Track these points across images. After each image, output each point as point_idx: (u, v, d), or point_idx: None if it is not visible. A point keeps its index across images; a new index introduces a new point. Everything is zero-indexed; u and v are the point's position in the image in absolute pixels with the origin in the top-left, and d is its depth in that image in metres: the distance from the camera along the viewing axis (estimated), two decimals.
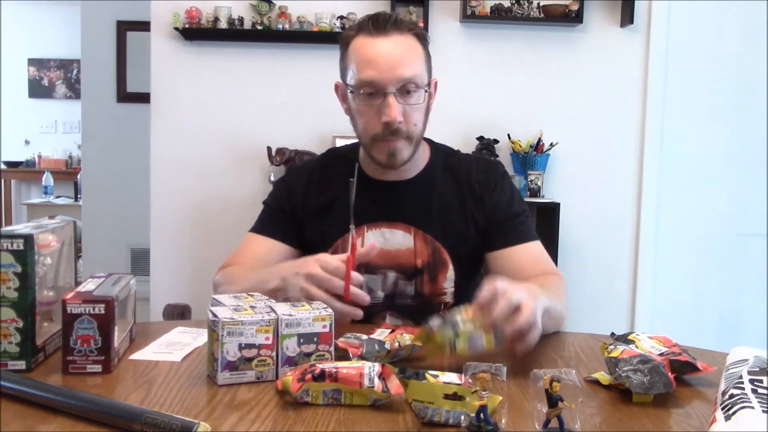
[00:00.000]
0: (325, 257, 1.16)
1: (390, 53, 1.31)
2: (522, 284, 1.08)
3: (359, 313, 1.14)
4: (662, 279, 3.17)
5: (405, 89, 1.32)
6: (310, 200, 1.46)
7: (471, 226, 1.43)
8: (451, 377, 0.87)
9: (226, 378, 0.93)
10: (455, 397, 0.81)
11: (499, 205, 1.44)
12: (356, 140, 1.53)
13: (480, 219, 1.44)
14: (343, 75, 1.40)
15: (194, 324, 1.24)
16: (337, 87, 1.44)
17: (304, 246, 1.46)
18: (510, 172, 3.00)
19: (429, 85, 1.37)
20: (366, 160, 1.46)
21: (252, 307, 0.99)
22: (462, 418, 0.81)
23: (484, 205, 1.44)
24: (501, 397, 0.85)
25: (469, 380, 0.81)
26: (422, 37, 1.37)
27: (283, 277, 1.18)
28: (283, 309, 0.98)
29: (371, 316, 1.31)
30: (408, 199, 1.44)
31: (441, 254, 1.41)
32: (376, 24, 1.32)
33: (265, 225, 1.49)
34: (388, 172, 1.42)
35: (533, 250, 1.42)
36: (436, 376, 0.87)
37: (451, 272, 1.42)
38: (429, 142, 1.50)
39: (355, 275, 1.14)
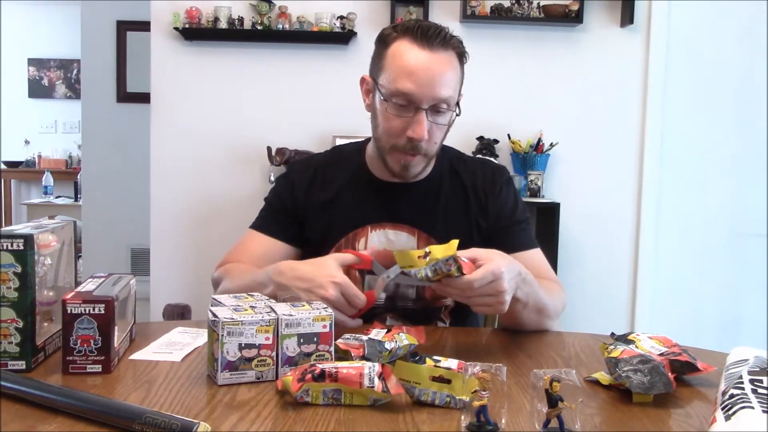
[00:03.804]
0: (344, 281, 1.15)
1: (432, 70, 1.28)
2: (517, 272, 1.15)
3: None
4: (662, 279, 3.17)
5: (436, 108, 1.31)
6: (313, 197, 1.45)
7: (475, 231, 1.44)
8: (451, 363, 0.89)
9: (226, 378, 0.93)
10: (442, 380, 0.87)
11: (502, 212, 1.45)
12: (359, 140, 1.53)
13: (483, 224, 1.44)
14: (375, 72, 1.36)
15: (194, 324, 1.24)
16: (363, 81, 1.42)
17: (305, 244, 1.46)
18: (510, 173, 3.01)
19: (458, 104, 1.36)
20: (374, 160, 1.45)
21: (252, 307, 0.99)
22: (448, 399, 0.86)
23: (488, 210, 1.44)
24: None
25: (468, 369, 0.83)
26: (462, 56, 1.35)
27: (283, 284, 1.18)
28: (283, 309, 0.98)
29: (372, 318, 1.31)
30: (414, 202, 1.43)
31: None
32: (425, 35, 1.28)
33: (266, 222, 1.48)
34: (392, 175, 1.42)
35: (533, 257, 1.42)
36: (437, 361, 0.89)
37: None
38: None
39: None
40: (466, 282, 1.06)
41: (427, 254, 1.06)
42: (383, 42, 1.34)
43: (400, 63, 1.29)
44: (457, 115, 1.35)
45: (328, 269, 1.16)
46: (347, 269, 1.22)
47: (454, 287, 1.08)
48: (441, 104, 1.30)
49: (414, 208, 1.43)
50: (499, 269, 1.08)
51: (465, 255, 1.09)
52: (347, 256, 1.21)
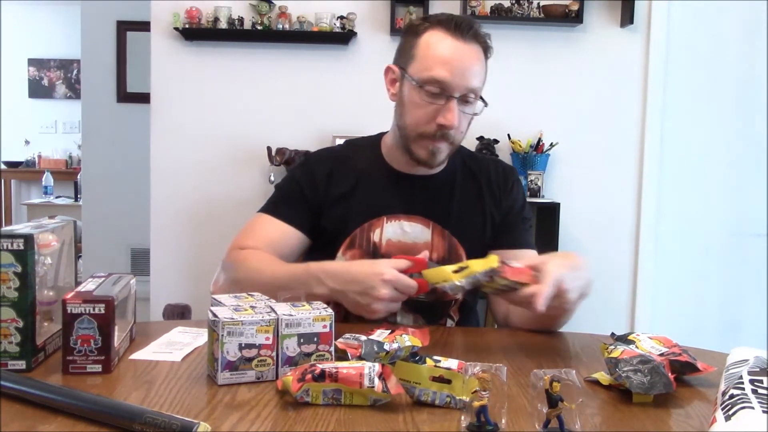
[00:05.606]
0: (395, 276, 1.17)
1: (465, 60, 1.32)
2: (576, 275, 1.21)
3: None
4: (662, 279, 3.17)
5: (465, 98, 1.34)
6: (332, 188, 1.45)
7: (489, 224, 1.47)
8: (451, 363, 0.89)
9: (226, 378, 0.93)
10: (442, 380, 0.87)
11: (513, 208, 1.49)
12: (369, 135, 1.54)
13: (497, 218, 1.48)
14: (403, 62, 1.38)
15: (194, 324, 1.24)
16: (388, 70, 1.43)
17: (319, 234, 1.45)
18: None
19: (482, 97, 1.39)
20: (392, 151, 1.46)
21: (252, 307, 0.99)
22: (448, 399, 0.86)
23: (501, 204, 1.48)
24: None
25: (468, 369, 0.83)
26: (488, 51, 1.38)
27: (337, 290, 1.20)
28: (283, 309, 0.98)
29: None
30: (429, 194, 1.45)
31: (457, 250, 1.42)
32: (459, 27, 1.32)
33: (280, 208, 1.46)
34: (413, 166, 1.43)
35: (532, 258, 1.43)
36: (437, 361, 0.89)
37: None
38: None
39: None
40: (534, 295, 1.10)
41: (462, 268, 1.11)
42: (413, 32, 1.37)
43: (434, 52, 1.33)
44: (485, 105, 1.39)
45: (376, 267, 1.19)
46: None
47: (522, 299, 1.13)
48: (470, 94, 1.34)
49: (429, 200, 1.44)
50: (560, 279, 1.14)
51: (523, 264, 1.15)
52: (401, 262, 1.21)
